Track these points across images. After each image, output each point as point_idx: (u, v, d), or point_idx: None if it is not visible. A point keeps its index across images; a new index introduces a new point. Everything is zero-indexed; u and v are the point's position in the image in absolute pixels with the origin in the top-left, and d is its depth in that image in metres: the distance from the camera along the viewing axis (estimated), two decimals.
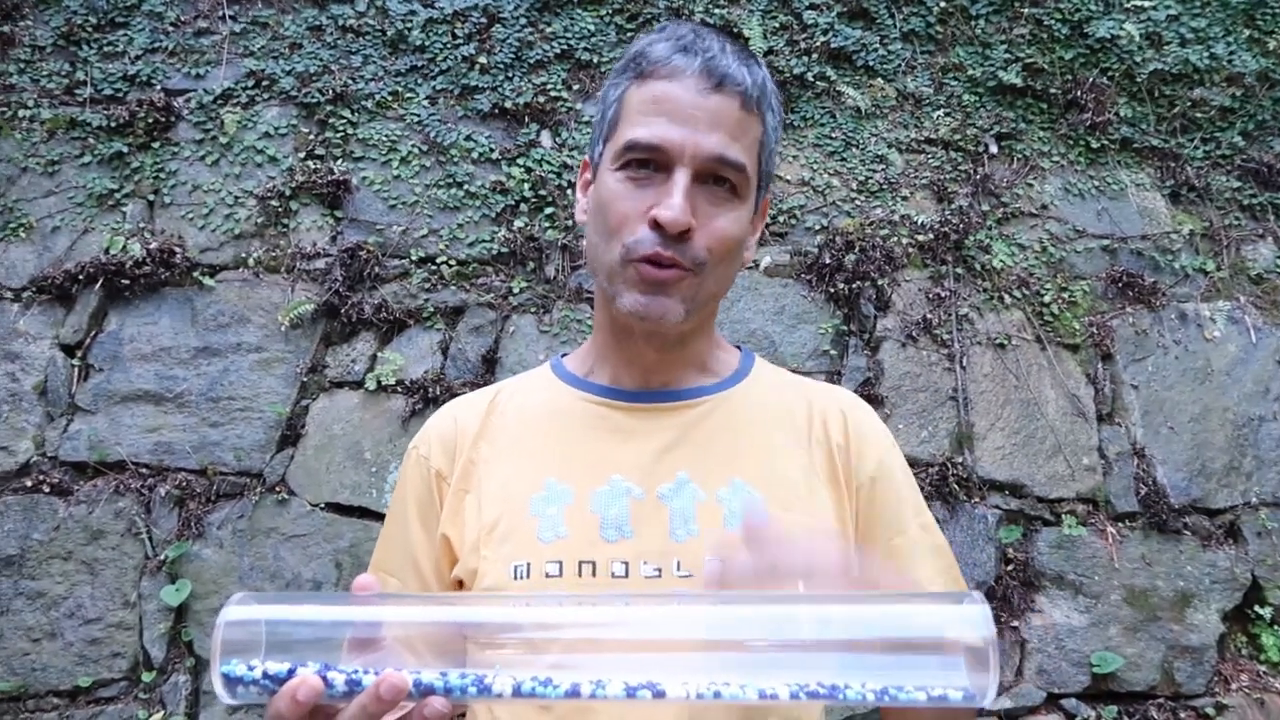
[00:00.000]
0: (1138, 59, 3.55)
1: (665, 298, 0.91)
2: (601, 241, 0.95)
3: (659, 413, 1.00)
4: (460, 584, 0.98)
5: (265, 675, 0.63)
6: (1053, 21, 3.56)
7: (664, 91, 0.91)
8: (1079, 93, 3.50)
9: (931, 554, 1.01)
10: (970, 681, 0.63)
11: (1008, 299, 3.19)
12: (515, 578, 0.92)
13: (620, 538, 0.93)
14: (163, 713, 2.55)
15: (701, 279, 0.93)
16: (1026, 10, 3.58)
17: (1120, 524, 2.95)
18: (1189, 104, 3.56)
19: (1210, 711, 2.72)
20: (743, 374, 1.06)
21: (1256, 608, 2.91)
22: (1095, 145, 3.47)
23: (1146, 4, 3.63)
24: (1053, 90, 3.51)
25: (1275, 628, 2.89)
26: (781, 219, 3.20)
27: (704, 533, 0.93)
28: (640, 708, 0.82)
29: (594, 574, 0.91)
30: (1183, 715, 2.72)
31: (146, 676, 2.58)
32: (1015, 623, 2.80)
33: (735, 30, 3.40)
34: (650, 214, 0.89)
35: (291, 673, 0.63)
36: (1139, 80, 3.54)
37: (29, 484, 2.74)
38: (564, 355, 1.12)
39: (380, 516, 2.71)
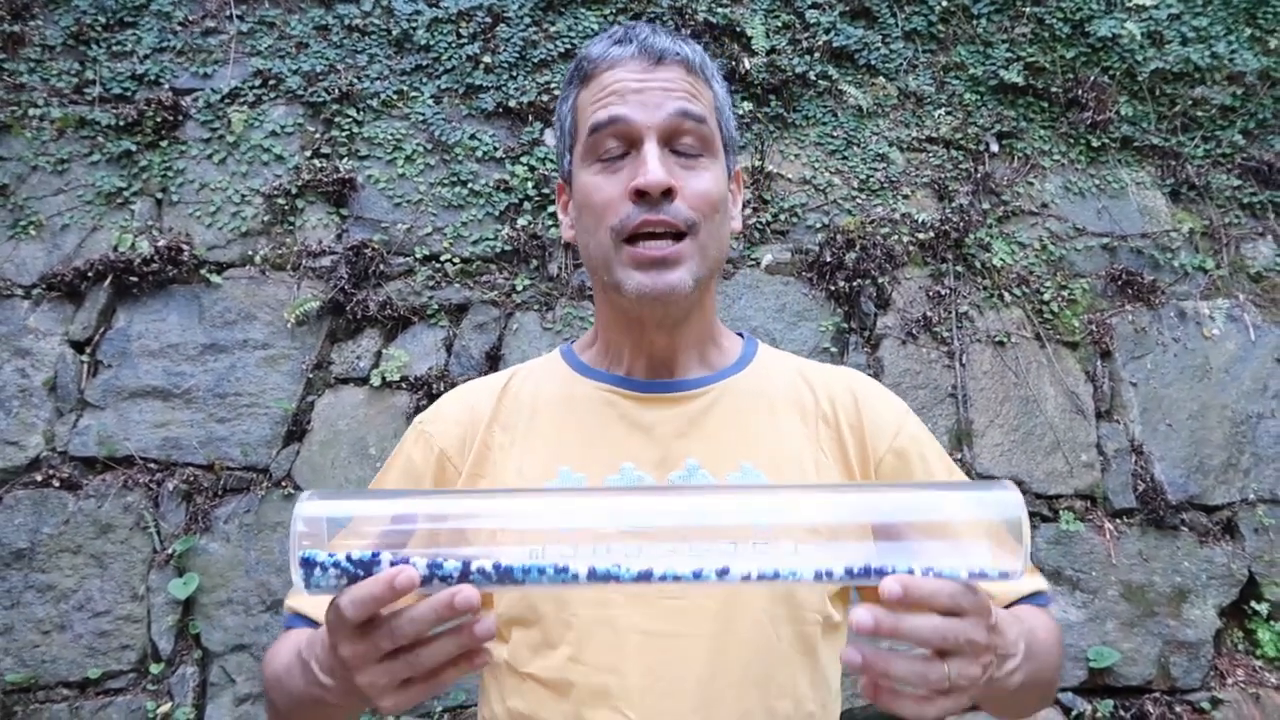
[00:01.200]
0: (1139, 58, 3.57)
1: (669, 272, 0.93)
2: (591, 236, 0.97)
3: (668, 402, 1.02)
4: None
5: (349, 559, 0.66)
6: (1054, 20, 3.58)
7: (609, 78, 0.96)
8: (1080, 91, 3.51)
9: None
10: (1001, 560, 0.68)
11: (1008, 297, 3.21)
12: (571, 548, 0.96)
13: None
14: (170, 704, 2.58)
15: (698, 241, 0.95)
16: (1028, 9, 3.60)
17: (1118, 520, 2.97)
18: (1190, 103, 3.57)
19: (1206, 706, 2.74)
20: (747, 360, 1.08)
21: (1253, 603, 2.93)
22: (1096, 144, 3.48)
23: (1148, 3, 3.65)
24: (1054, 89, 3.52)
25: (1271, 623, 2.91)
26: (783, 217, 3.22)
27: None
28: (680, 642, 0.90)
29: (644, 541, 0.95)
30: (1178, 709, 2.74)
31: (155, 668, 2.62)
32: None
33: (737, 29, 3.43)
34: (630, 186, 0.92)
35: (375, 557, 0.66)
36: (1140, 79, 3.56)
37: (39, 479, 2.78)
38: (572, 342, 1.14)
39: None
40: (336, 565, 0.66)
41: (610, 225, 0.94)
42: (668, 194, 0.92)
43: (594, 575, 0.68)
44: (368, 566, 0.66)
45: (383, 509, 0.73)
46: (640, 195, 0.92)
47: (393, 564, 0.66)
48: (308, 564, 0.67)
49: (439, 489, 0.69)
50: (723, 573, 0.68)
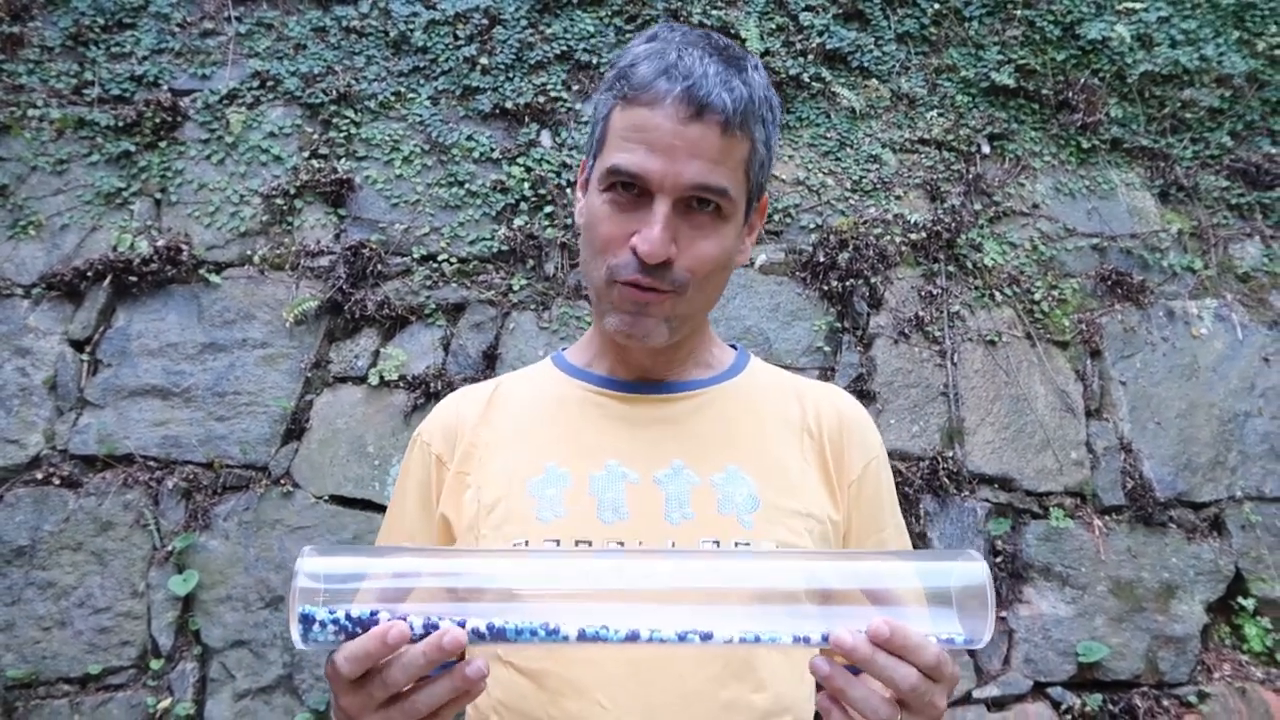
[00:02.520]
0: (1128, 60, 3.61)
1: (647, 318, 0.95)
2: (590, 258, 0.99)
3: (656, 403, 1.05)
4: None
5: (347, 616, 0.68)
6: (1045, 23, 3.62)
7: (645, 120, 0.92)
8: (1070, 93, 3.55)
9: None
10: (968, 628, 0.72)
11: (999, 296, 3.25)
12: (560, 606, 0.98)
13: (617, 519, 0.97)
14: (170, 700, 2.61)
15: (684, 299, 0.96)
16: (1019, 12, 3.64)
17: (1107, 517, 3.01)
18: (1179, 105, 3.61)
19: (1193, 700, 2.78)
20: (738, 369, 1.11)
21: (1240, 599, 2.97)
22: (1086, 145, 3.53)
23: (1137, 6, 3.69)
24: (1044, 91, 3.57)
25: (1258, 619, 2.95)
26: (777, 218, 3.25)
27: (699, 517, 0.97)
28: (668, 673, 0.92)
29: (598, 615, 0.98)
30: (1166, 703, 2.78)
31: (155, 664, 2.64)
32: (1003, 613, 2.87)
33: (731, 31, 3.46)
34: (631, 241, 0.93)
35: (374, 615, 0.69)
36: (1129, 81, 3.60)
37: (39, 476, 2.80)
38: (564, 349, 1.16)
39: (383, 509, 2.77)
40: (335, 622, 0.69)
41: (608, 263, 0.95)
42: (665, 262, 0.93)
43: (583, 636, 0.71)
44: (365, 624, 0.69)
45: (383, 567, 0.74)
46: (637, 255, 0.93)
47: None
48: (306, 620, 0.68)
49: (441, 548, 0.72)
50: (706, 636, 0.71)
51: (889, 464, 1.14)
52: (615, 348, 1.07)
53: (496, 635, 0.70)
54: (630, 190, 0.93)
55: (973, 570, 0.73)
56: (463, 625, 0.69)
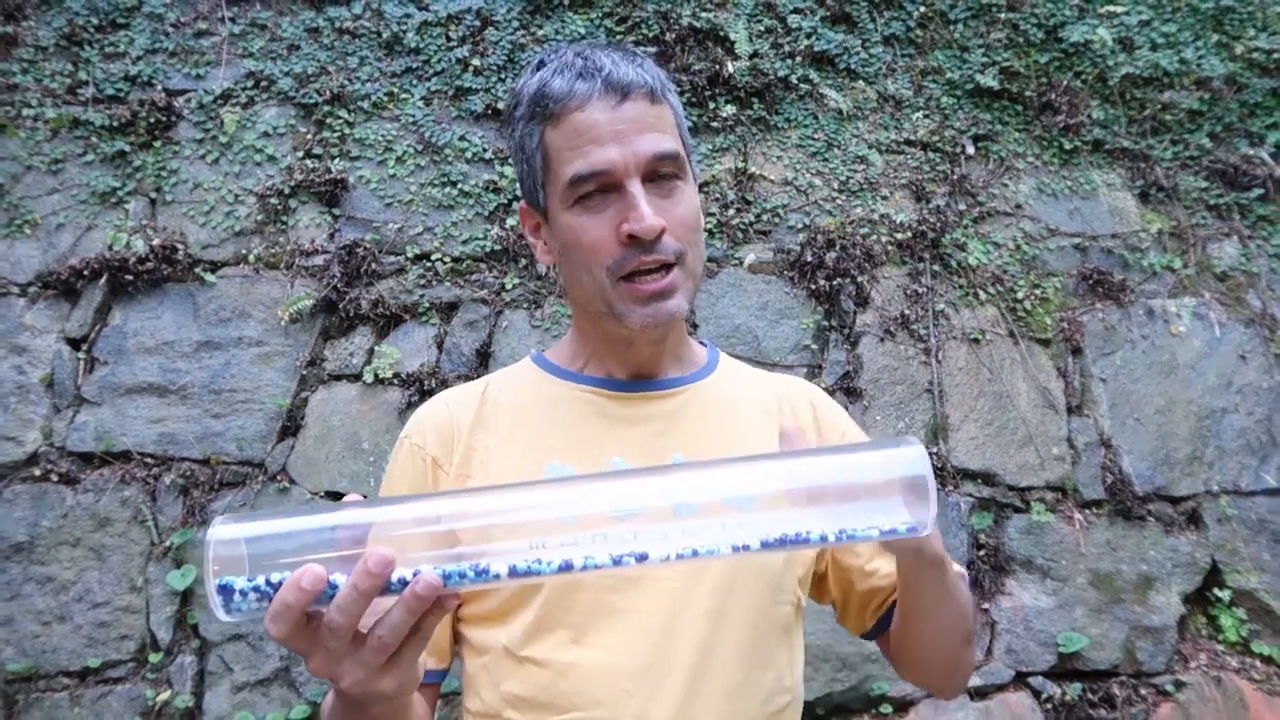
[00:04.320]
0: (1110, 63, 3.67)
1: (666, 301, 0.99)
2: (583, 273, 1.01)
3: (647, 400, 1.09)
4: None
5: (267, 582, 0.64)
6: (1028, 26, 3.68)
7: (581, 122, 0.96)
8: (1053, 96, 3.62)
9: None
10: (912, 516, 0.71)
11: (982, 295, 3.31)
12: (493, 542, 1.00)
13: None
14: (170, 692, 2.65)
15: (686, 267, 1.01)
16: (1003, 15, 3.70)
17: (1087, 511, 3.08)
18: (1159, 107, 3.68)
19: (1170, 689, 2.85)
20: (713, 366, 1.17)
21: (1216, 590, 3.04)
22: (1068, 147, 3.59)
23: (1119, 9, 3.76)
24: (1028, 93, 3.63)
25: (1234, 609, 3.02)
26: (765, 218, 3.31)
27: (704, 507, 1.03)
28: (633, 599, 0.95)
29: (568, 530, 1.00)
30: (1143, 692, 2.86)
31: (154, 658, 2.68)
32: (986, 605, 2.93)
33: (721, 33, 3.50)
34: (622, 231, 0.96)
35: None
36: (1111, 84, 3.67)
37: (38, 473, 2.83)
38: (544, 350, 1.18)
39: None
40: (256, 590, 0.64)
41: (605, 265, 0.98)
42: (659, 235, 0.96)
43: (514, 573, 0.67)
44: None
45: (300, 525, 0.68)
46: (633, 238, 0.96)
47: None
48: (226, 590, 0.64)
49: (357, 501, 0.69)
50: (641, 557, 0.68)
51: (859, 431, 1.21)
52: (615, 351, 1.09)
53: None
54: (597, 193, 0.97)
55: (912, 457, 0.71)
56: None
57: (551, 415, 1.09)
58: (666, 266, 0.99)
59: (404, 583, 0.65)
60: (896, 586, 1.06)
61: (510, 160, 3.23)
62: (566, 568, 0.67)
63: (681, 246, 0.99)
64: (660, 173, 0.98)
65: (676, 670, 0.96)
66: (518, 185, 1.11)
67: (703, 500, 0.72)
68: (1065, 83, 3.64)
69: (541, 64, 1.02)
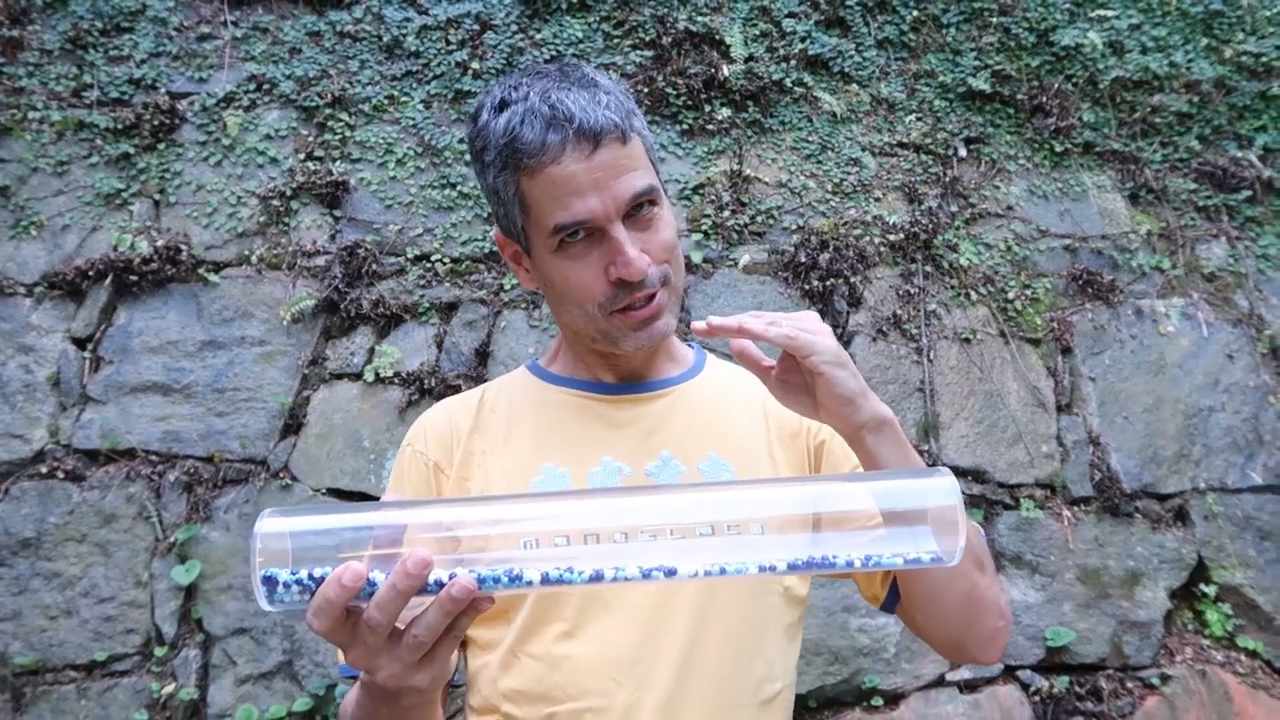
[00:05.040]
0: (1100, 66, 3.73)
1: (656, 323, 1.04)
2: (573, 308, 1.05)
3: (637, 402, 1.14)
4: None
5: (309, 576, 0.67)
6: (1020, 30, 3.74)
7: (558, 175, 0.97)
8: (1044, 98, 3.67)
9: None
10: (939, 546, 0.71)
11: (974, 295, 3.36)
12: (525, 549, 1.06)
13: None
14: (174, 685, 2.70)
15: (670, 287, 1.06)
16: (995, 19, 3.76)
17: (1075, 508, 3.13)
18: (1149, 109, 3.73)
19: (1155, 682, 2.91)
20: (699, 366, 1.21)
21: (1202, 586, 3.10)
22: (1059, 149, 3.64)
23: (1110, 13, 3.81)
24: (1019, 96, 3.68)
25: (1219, 605, 3.08)
26: (760, 219, 3.36)
27: None
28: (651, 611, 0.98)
29: (598, 541, 1.05)
30: (1130, 685, 2.91)
31: (159, 651, 2.73)
32: None
33: (716, 37, 3.55)
34: (611, 274, 1.00)
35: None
36: (1101, 87, 3.72)
37: (44, 470, 2.88)
38: (538, 358, 1.24)
39: (378, 500, 2.87)
40: (299, 583, 0.67)
41: (597, 303, 1.02)
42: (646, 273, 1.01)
43: (546, 580, 0.69)
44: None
45: (344, 522, 0.72)
46: (621, 281, 1.00)
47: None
48: (270, 581, 0.67)
49: (397, 501, 0.72)
50: (670, 572, 0.70)
51: None
52: (604, 360, 1.15)
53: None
54: (579, 237, 1.00)
55: (942, 488, 0.72)
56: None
57: (544, 419, 1.14)
58: (653, 295, 1.03)
59: (440, 584, 0.67)
60: None
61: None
62: (597, 578, 0.69)
63: (665, 271, 1.04)
64: (639, 207, 1.01)
65: (665, 660, 0.99)
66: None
67: (735, 519, 0.73)
68: (1056, 86, 3.69)
69: (504, 104, 1.00)
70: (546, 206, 0.99)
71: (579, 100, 0.97)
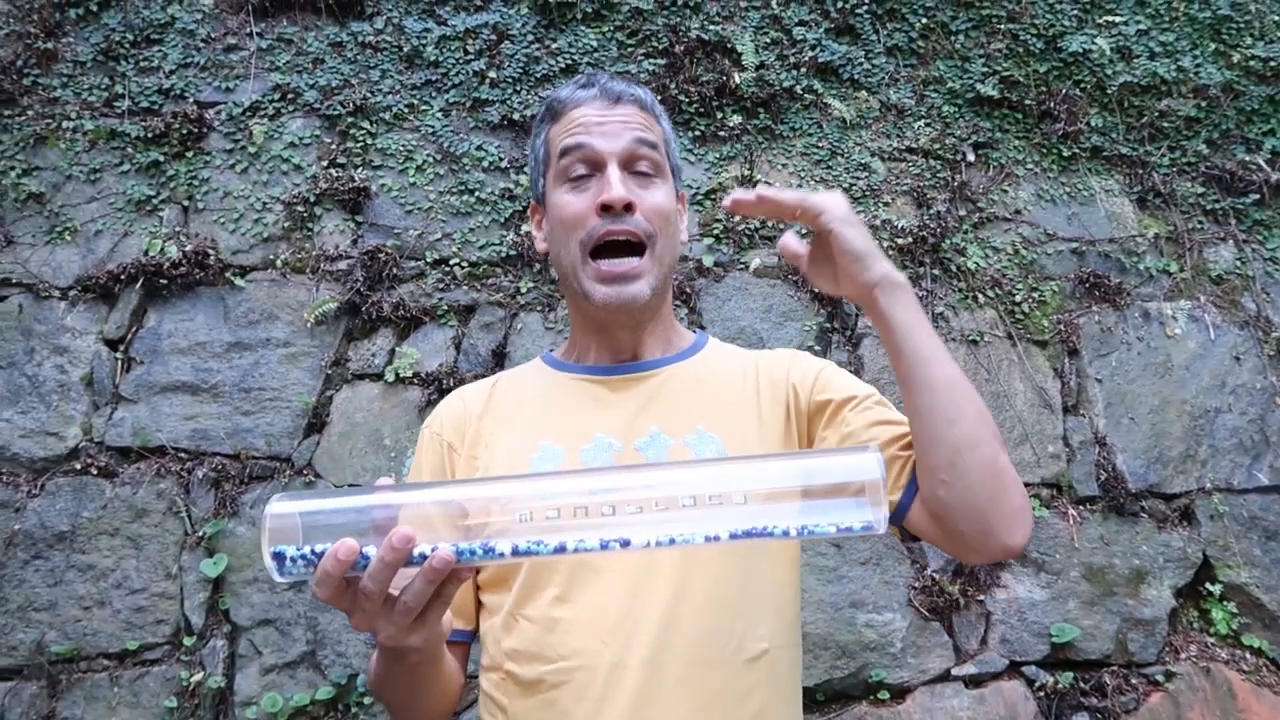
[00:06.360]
0: (1108, 72, 3.77)
1: (630, 284, 1.14)
2: (563, 247, 1.17)
3: (631, 382, 1.22)
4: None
5: (312, 551, 0.76)
6: (1028, 36, 3.79)
7: (576, 115, 1.18)
8: (1052, 104, 3.72)
9: (884, 407, 1.17)
10: (870, 515, 0.77)
11: (981, 298, 3.42)
12: (519, 522, 1.14)
13: None
14: (202, 674, 2.80)
15: (655, 254, 1.15)
16: (1004, 26, 3.81)
17: (1081, 507, 3.18)
18: (1157, 114, 3.78)
19: (1160, 679, 2.95)
20: (697, 348, 1.29)
21: (1208, 585, 3.14)
22: (1067, 153, 3.69)
23: (1117, 19, 3.86)
24: (1027, 102, 3.73)
25: (1224, 603, 3.11)
26: (770, 223, 3.43)
27: None
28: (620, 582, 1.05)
29: (586, 515, 1.13)
30: (1134, 681, 2.95)
31: (188, 641, 2.83)
32: (981, 596, 3.04)
33: (728, 45, 3.63)
34: (597, 201, 1.13)
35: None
36: (1109, 92, 3.77)
37: (78, 467, 2.99)
38: (552, 350, 1.35)
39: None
40: (304, 557, 0.76)
41: (579, 239, 1.14)
42: (628, 208, 1.13)
43: (516, 552, 0.77)
44: None
45: (343, 504, 0.82)
46: (605, 209, 1.12)
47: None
48: (279, 557, 0.76)
49: (390, 486, 0.82)
50: (624, 543, 0.77)
51: (846, 374, 1.26)
52: (596, 337, 1.24)
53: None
54: (583, 174, 1.16)
55: (868, 463, 0.77)
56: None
57: (546, 401, 1.24)
58: (636, 250, 1.13)
59: (424, 557, 0.77)
60: (903, 437, 1.09)
61: (524, 169, 3.42)
62: (560, 549, 0.77)
63: (651, 229, 1.15)
64: (641, 163, 1.17)
65: (648, 621, 1.06)
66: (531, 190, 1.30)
67: (683, 494, 0.80)
68: (1064, 91, 3.74)
69: (562, 86, 1.25)
70: (559, 140, 1.18)
71: (616, 78, 1.21)
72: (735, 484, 0.81)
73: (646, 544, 0.78)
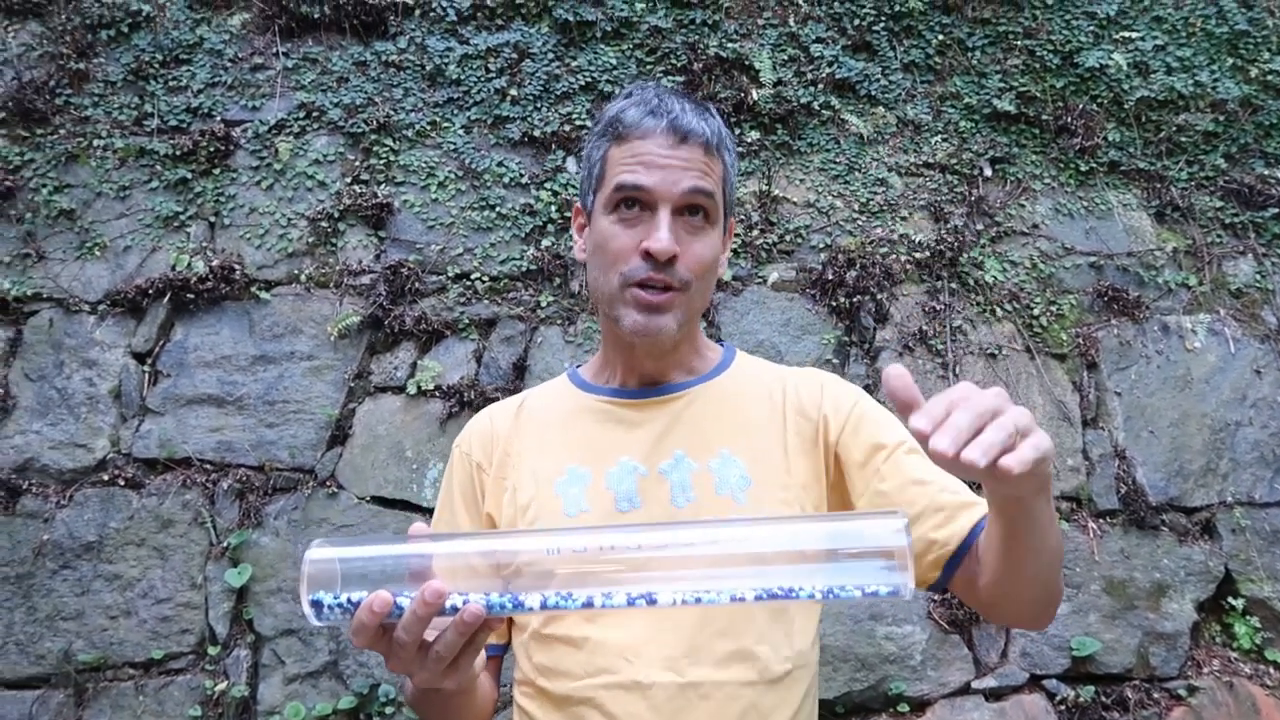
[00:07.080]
0: (1125, 87, 3.79)
1: (660, 316, 1.13)
2: (601, 274, 1.16)
3: (656, 405, 1.22)
4: None
5: (349, 600, 0.78)
6: (1045, 52, 3.81)
7: (640, 148, 1.12)
8: (1069, 119, 3.73)
9: (918, 456, 1.13)
10: (897, 580, 0.76)
11: (999, 312, 3.43)
12: (548, 551, 1.15)
13: (631, 508, 1.14)
14: (226, 683, 2.83)
15: (688, 296, 1.15)
16: (1020, 42, 3.83)
17: (1101, 520, 3.17)
18: (1174, 129, 3.78)
19: (1182, 693, 2.93)
20: (724, 366, 1.28)
21: (1230, 599, 3.12)
22: (1084, 168, 3.70)
23: (1134, 35, 3.87)
24: (1044, 117, 3.75)
25: (1247, 617, 3.10)
26: (788, 238, 3.46)
27: (700, 499, 1.14)
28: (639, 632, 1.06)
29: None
30: (1156, 696, 2.94)
31: (212, 650, 2.86)
32: None
33: (746, 63, 3.67)
34: (642, 246, 1.11)
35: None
36: (1126, 107, 3.78)
37: (106, 478, 3.04)
38: (578, 367, 1.34)
39: (419, 509, 3.00)
40: (340, 605, 0.78)
41: (621, 271, 1.13)
42: (671, 259, 1.11)
43: (544, 605, 0.78)
44: None
45: (378, 552, 0.85)
46: (649, 255, 1.11)
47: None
48: (317, 604, 0.78)
49: (425, 535, 0.83)
50: (651, 600, 0.78)
51: (880, 408, 1.23)
52: (623, 359, 1.24)
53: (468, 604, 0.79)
54: (634, 208, 1.13)
55: (893, 527, 0.77)
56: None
57: (572, 423, 1.25)
58: (670, 289, 1.13)
59: (455, 609, 0.78)
60: (941, 508, 1.10)
61: (545, 185, 3.46)
62: (588, 604, 0.78)
63: (690, 278, 1.14)
64: (693, 210, 1.14)
65: (670, 643, 1.08)
66: (568, 194, 1.28)
67: (711, 554, 0.82)
68: (1081, 106, 3.76)
69: (629, 95, 1.19)
70: (617, 170, 1.14)
71: (685, 106, 1.14)
72: (763, 546, 0.82)
73: (672, 602, 0.79)
